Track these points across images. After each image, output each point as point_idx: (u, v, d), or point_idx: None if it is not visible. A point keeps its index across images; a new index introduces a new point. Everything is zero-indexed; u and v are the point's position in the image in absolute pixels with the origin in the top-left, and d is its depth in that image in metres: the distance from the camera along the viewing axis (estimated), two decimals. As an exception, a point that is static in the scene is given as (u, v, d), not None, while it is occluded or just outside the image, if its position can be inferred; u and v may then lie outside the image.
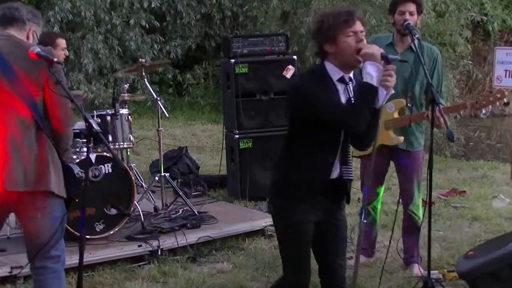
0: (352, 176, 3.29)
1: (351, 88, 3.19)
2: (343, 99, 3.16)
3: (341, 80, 3.17)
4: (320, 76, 3.16)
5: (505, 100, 4.29)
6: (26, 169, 3.27)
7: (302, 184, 3.22)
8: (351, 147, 3.35)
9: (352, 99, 3.16)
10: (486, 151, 12.02)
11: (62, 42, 5.46)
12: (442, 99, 4.48)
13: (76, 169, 3.50)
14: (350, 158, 3.28)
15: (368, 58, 3.07)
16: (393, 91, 3.14)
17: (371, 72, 3.05)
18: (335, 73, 3.16)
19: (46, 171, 3.31)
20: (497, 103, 4.30)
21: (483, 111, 4.45)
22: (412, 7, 4.51)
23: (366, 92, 3.07)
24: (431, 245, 4.02)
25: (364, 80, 3.07)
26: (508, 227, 5.88)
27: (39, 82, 3.26)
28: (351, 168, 3.27)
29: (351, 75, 3.21)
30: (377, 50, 3.08)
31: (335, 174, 3.24)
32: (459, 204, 6.76)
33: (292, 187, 3.24)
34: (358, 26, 3.11)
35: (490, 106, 4.34)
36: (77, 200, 3.54)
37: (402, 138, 4.65)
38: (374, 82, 3.05)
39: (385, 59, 3.06)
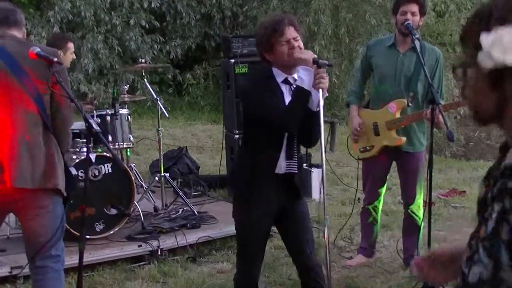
0: (295, 170, 3.48)
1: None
2: (288, 100, 3.39)
3: (285, 81, 3.42)
4: (266, 78, 3.43)
5: None
6: (34, 167, 3.29)
7: (252, 178, 3.47)
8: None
9: None
10: (486, 151, 12.02)
11: (71, 46, 5.59)
12: (442, 100, 4.48)
13: (73, 171, 3.52)
14: (296, 153, 3.48)
15: (301, 62, 3.32)
16: (326, 94, 3.33)
17: (302, 76, 3.30)
18: (279, 75, 3.42)
19: (54, 169, 3.34)
20: None
21: None
22: (414, 7, 4.51)
23: (297, 94, 3.33)
24: (431, 245, 4.03)
25: (297, 84, 3.33)
26: (508, 227, 5.88)
27: (47, 81, 3.29)
28: (295, 162, 3.48)
29: (296, 76, 3.42)
30: (309, 55, 3.31)
31: (282, 169, 3.45)
32: (459, 204, 6.76)
33: (243, 182, 3.52)
34: (290, 34, 3.33)
35: None
36: (72, 201, 3.55)
37: (404, 139, 4.65)
38: (305, 85, 3.29)
39: (317, 64, 3.27)
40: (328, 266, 3.41)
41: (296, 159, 3.49)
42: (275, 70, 3.42)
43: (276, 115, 3.32)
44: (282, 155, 3.44)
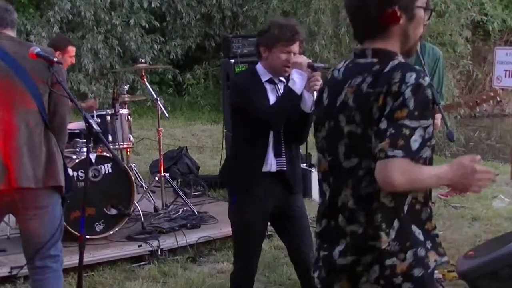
0: (284, 167, 3.52)
1: (280, 88, 3.55)
2: (272, 98, 3.52)
3: (270, 81, 3.54)
4: (251, 76, 3.56)
5: (498, 98, 4.30)
6: (37, 166, 3.29)
7: (242, 175, 3.54)
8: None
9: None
10: (486, 151, 12.02)
11: (72, 50, 5.58)
12: (442, 101, 4.47)
13: (70, 172, 3.52)
14: (283, 151, 3.53)
15: (296, 66, 3.43)
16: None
17: (295, 79, 3.42)
18: (264, 74, 3.54)
19: (55, 167, 3.35)
20: (491, 102, 4.31)
21: (478, 110, 4.46)
22: None
23: (286, 94, 3.45)
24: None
25: (289, 85, 3.44)
26: (508, 227, 5.88)
27: (47, 81, 3.29)
28: (284, 160, 3.53)
29: (281, 77, 3.55)
30: (304, 60, 3.44)
31: (272, 166, 3.51)
32: (459, 204, 6.76)
33: (234, 181, 3.60)
34: (294, 48, 3.47)
35: (484, 105, 4.34)
36: (69, 201, 3.55)
37: None
38: (295, 87, 3.40)
39: (312, 67, 3.41)
40: None
41: (285, 156, 3.53)
42: (261, 69, 3.54)
43: (261, 110, 3.41)
44: (270, 152, 3.50)
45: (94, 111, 5.56)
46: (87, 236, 4.73)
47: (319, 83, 3.38)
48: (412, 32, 2.13)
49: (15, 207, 3.41)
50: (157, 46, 12.59)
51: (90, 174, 4.97)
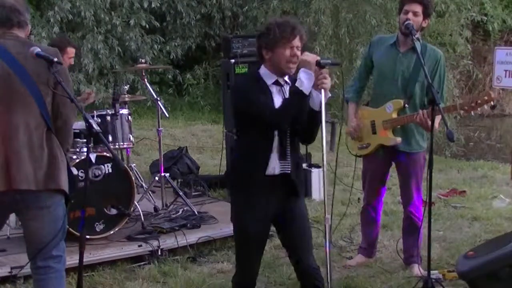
0: (288, 170, 3.50)
1: (286, 89, 3.50)
2: (278, 100, 3.47)
3: (276, 83, 3.51)
4: (254, 79, 3.52)
5: (492, 103, 4.29)
6: (37, 168, 3.29)
7: (244, 177, 3.53)
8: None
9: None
10: (486, 151, 12.04)
11: (71, 51, 5.59)
12: (442, 103, 4.46)
13: (74, 171, 3.51)
14: (288, 154, 3.51)
15: (304, 64, 3.39)
16: (329, 95, 3.43)
17: (302, 78, 3.37)
18: (268, 77, 3.50)
19: (57, 169, 3.34)
20: (485, 106, 4.30)
21: (473, 114, 4.47)
22: (417, 7, 4.47)
23: (293, 95, 3.40)
24: (431, 245, 4.03)
25: (296, 85, 3.39)
26: (508, 227, 5.89)
27: (48, 81, 3.29)
28: (288, 163, 3.51)
29: (287, 78, 3.53)
30: (312, 58, 3.39)
31: (275, 169, 3.48)
32: (459, 204, 6.76)
33: (237, 183, 3.59)
34: (296, 42, 3.43)
35: (479, 109, 4.34)
36: (73, 201, 3.55)
37: (399, 139, 4.64)
38: (304, 87, 3.35)
39: (319, 65, 3.38)
40: (329, 267, 3.41)
41: (289, 159, 3.51)
42: (265, 72, 3.51)
43: (266, 112, 3.38)
44: (274, 155, 3.47)
45: (94, 111, 5.56)
46: (87, 236, 4.74)
47: (327, 81, 3.37)
48: None
49: (17, 208, 3.42)
50: (157, 46, 12.57)
51: (90, 174, 4.97)
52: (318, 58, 3.40)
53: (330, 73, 3.47)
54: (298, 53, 3.45)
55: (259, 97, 3.42)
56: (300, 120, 3.43)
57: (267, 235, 3.72)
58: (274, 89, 3.49)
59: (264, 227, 3.62)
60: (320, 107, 3.39)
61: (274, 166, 3.48)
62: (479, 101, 4.29)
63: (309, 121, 3.44)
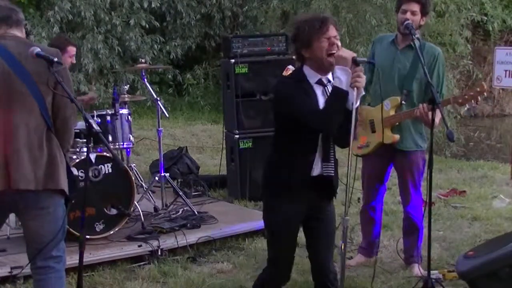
0: (332, 173, 3.45)
1: (329, 89, 3.37)
2: (321, 101, 3.35)
3: (319, 82, 3.39)
4: (298, 81, 3.39)
5: (485, 94, 4.33)
6: (37, 168, 3.28)
7: (285, 180, 3.42)
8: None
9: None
10: (486, 151, 12.03)
11: (72, 50, 5.58)
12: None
13: (75, 171, 3.51)
14: (332, 156, 3.45)
15: (339, 60, 3.27)
16: (363, 93, 3.34)
17: (340, 76, 3.25)
18: (312, 76, 3.39)
19: (57, 170, 3.34)
20: (479, 98, 4.33)
21: (467, 107, 4.48)
22: (415, 7, 4.49)
23: (335, 95, 3.27)
24: (431, 245, 4.03)
25: (334, 84, 3.29)
26: (508, 227, 5.89)
27: (48, 81, 3.29)
28: (332, 165, 3.45)
29: (329, 77, 3.39)
30: (349, 54, 3.29)
31: (316, 171, 3.42)
32: (459, 204, 6.76)
33: (277, 184, 3.47)
34: (331, 32, 3.33)
35: (473, 101, 4.36)
36: (73, 201, 3.55)
37: (397, 136, 4.64)
38: (343, 86, 3.25)
39: (355, 62, 3.27)
40: (342, 271, 3.42)
41: (333, 161, 3.45)
42: (308, 71, 3.39)
43: (311, 116, 3.28)
44: (318, 157, 3.41)
45: (94, 111, 5.56)
46: (87, 236, 4.74)
47: (362, 79, 3.27)
48: None
49: (17, 208, 3.42)
50: (157, 46, 12.57)
51: (90, 174, 4.97)
52: (355, 54, 3.31)
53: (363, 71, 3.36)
54: (338, 42, 3.34)
55: (305, 100, 3.32)
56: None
57: (297, 232, 3.62)
58: (318, 90, 3.38)
59: (297, 224, 3.57)
60: (352, 106, 3.27)
61: (318, 168, 3.42)
62: (472, 93, 4.33)
63: (344, 122, 3.30)
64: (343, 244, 3.37)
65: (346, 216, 3.34)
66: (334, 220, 3.62)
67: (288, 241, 3.57)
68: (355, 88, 3.26)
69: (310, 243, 3.63)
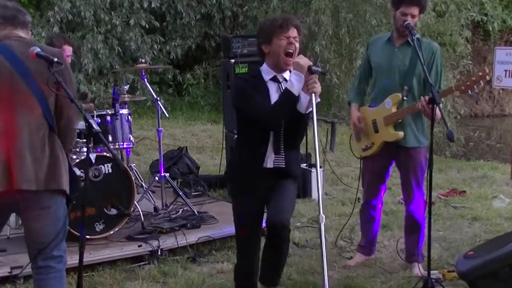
0: (283, 165, 3.77)
1: (284, 87, 3.67)
2: (275, 97, 3.66)
3: (274, 79, 3.69)
4: (252, 76, 3.75)
5: (487, 78, 4.35)
6: (38, 168, 3.28)
7: (243, 172, 3.81)
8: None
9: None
10: (486, 151, 12.04)
11: (68, 49, 5.56)
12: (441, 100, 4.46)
13: (77, 171, 3.52)
14: (282, 149, 3.75)
15: (296, 66, 3.58)
16: (319, 100, 3.61)
17: (293, 80, 3.57)
18: (268, 73, 3.70)
19: (59, 170, 3.34)
20: (481, 82, 4.34)
21: (470, 92, 4.49)
22: (415, 10, 4.52)
23: (284, 96, 3.60)
24: (431, 245, 4.03)
25: (286, 86, 3.60)
26: (508, 227, 5.89)
27: (49, 82, 3.29)
28: (283, 157, 3.77)
29: (285, 75, 3.71)
30: (305, 62, 3.58)
31: (269, 163, 3.76)
32: (459, 204, 6.76)
33: (236, 175, 3.87)
34: (292, 33, 3.63)
35: (475, 87, 4.36)
36: (74, 202, 3.55)
37: (402, 133, 4.64)
38: (294, 89, 3.55)
39: (310, 70, 3.57)
40: (325, 264, 3.43)
41: (284, 154, 3.73)
42: (265, 68, 3.71)
43: (260, 112, 3.59)
44: (270, 149, 3.73)
45: (94, 111, 5.56)
46: (87, 236, 4.74)
47: (317, 85, 3.55)
48: None
49: (18, 208, 3.42)
50: (157, 46, 12.58)
51: (90, 174, 4.97)
52: (311, 63, 3.58)
53: (319, 79, 3.62)
54: (297, 44, 3.62)
55: (256, 95, 3.61)
56: (289, 120, 3.63)
57: (262, 216, 3.91)
58: (272, 87, 3.68)
59: (259, 208, 3.86)
60: (306, 110, 3.59)
61: (269, 159, 3.75)
62: (474, 78, 4.34)
63: (294, 123, 3.65)
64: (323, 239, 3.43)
65: (321, 214, 3.47)
66: (292, 191, 3.85)
67: (250, 227, 3.85)
68: (313, 94, 3.53)
69: (267, 204, 3.82)
